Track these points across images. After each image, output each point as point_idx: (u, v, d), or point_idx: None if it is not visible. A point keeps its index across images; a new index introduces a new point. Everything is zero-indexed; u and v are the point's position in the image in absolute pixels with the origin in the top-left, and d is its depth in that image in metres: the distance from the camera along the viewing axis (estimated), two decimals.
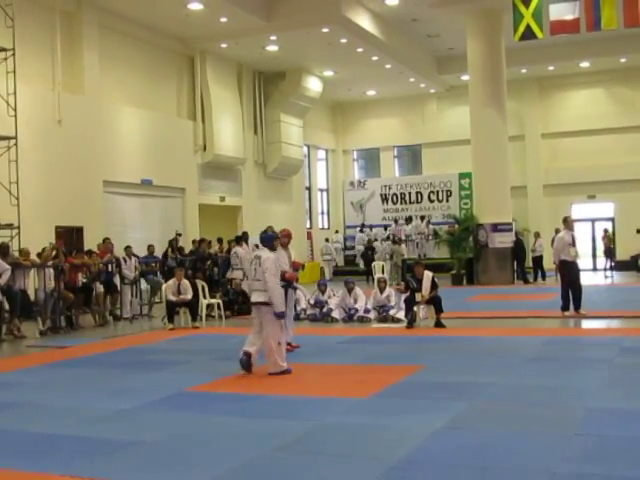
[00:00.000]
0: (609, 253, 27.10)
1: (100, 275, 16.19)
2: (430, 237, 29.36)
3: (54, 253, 14.82)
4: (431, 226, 29.79)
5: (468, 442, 5.92)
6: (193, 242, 20.10)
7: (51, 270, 14.62)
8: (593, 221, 29.80)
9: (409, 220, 30.31)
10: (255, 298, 9.32)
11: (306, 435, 6.29)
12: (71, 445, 6.24)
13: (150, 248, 18.26)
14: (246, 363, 9.22)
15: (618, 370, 8.86)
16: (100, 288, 16.01)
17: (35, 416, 7.41)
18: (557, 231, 21.69)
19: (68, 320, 15.11)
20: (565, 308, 14.43)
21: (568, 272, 14.39)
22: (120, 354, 11.63)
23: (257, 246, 13.83)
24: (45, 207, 18.15)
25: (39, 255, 15.08)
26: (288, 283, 10.97)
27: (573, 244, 14.19)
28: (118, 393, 8.37)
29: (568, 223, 14.58)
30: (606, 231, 28.11)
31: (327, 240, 30.88)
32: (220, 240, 20.14)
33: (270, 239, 9.71)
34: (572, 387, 7.88)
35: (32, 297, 14.70)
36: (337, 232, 32.35)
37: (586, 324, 13.81)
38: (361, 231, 31.30)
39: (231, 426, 6.69)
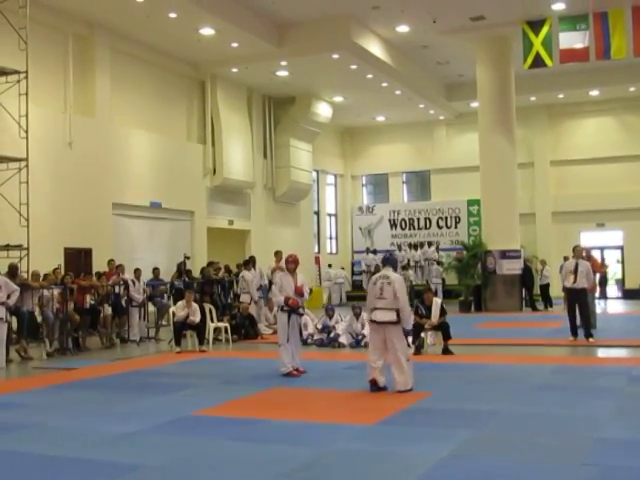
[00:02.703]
0: (603, 282, 27.45)
1: (108, 297, 16.21)
2: (439, 263, 29.27)
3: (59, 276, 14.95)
4: (441, 252, 29.65)
5: (474, 471, 5.87)
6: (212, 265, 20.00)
7: (55, 292, 14.66)
8: (602, 249, 29.71)
9: (419, 246, 30.24)
10: (381, 317, 9.44)
11: (311, 461, 6.25)
12: (75, 468, 6.22)
13: (155, 271, 18.24)
14: (377, 389, 9.47)
15: (627, 399, 8.79)
16: (108, 310, 16.02)
17: (40, 438, 7.39)
18: (565, 259, 21.72)
19: (75, 342, 15.11)
20: (572, 333, 14.57)
21: (570, 298, 14.67)
22: (126, 377, 11.61)
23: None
24: (54, 229, 18.21)
25: (45, 276, 15.14)
26: (292, 309, 10.99)
27: (574, 272, 14.33)
28: (124, 416, 8.34)
29: (576, 252, 14.79)
30: (602, 260, 28.48)
31: (343, 269, 31.10)
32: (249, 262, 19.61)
33: (395, 261, 10.21)
34: (580, 416, 7.82)
35: (39, 319, 14.69)
36: (343, 269, 31.95)
37: (595, 353, 13.74)
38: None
39: (237, 451, 6.65)
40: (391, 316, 9.37)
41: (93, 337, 16.02)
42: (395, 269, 9.93)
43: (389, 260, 10.03)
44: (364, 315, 15.12)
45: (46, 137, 18.29)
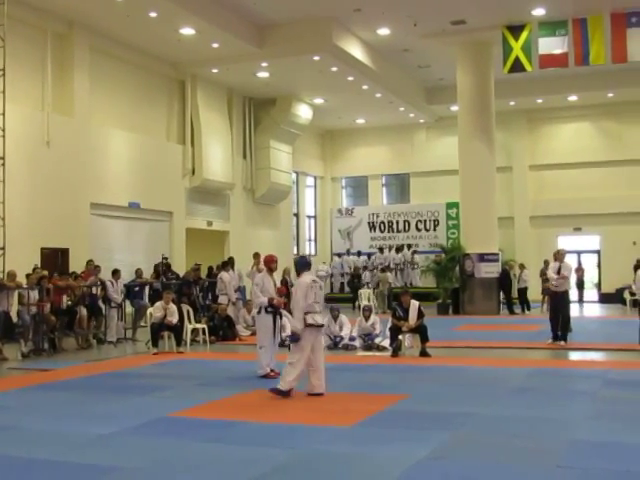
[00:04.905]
0: (580, 285, 27.79)
1: (84, 298, 16.09)
2: (415, 266, 29.43)
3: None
4: (416, 256, 29.79)
5: (451, 472, 5.89)
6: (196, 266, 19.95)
7: (36, 293, 14.54)
8: (579, 253, 29.95)
9: (400, 249, 30.31)
10: (320, 320, 9.59)
11: (289, 463, 6.24)
12: (50, 470, 6.17)
13: (138, 271, 18.14)
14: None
15: (602, 402, 8.86)
16: (84, 311, 15.89)
17: (14, 440, 7.31)
18: (546, 262, 21.98)
19: (51, 343, 14.99)
20: (554, 337, 14.73)
21: (553, 301, 14.89)
22: (102, 378, 11.52)
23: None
24: (31, 228, 18.05)
25: (27, 276, 15.04)
26: (275, 309, 10.99)
27: (557, 274, 14.51)
28: (99, 418, 8.28)
29: (558, 255, 15.01)
30: (580, 264, 28.83)
31: (324, 263, 31.51)
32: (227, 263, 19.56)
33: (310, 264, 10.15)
34: (556, 419, 7.86)
35: (14, 319, 14.56)
36: (324, 263, 32.12)
37: (570, 356, 13.84)
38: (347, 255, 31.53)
39: (213, 453, 6.62)
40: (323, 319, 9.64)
41: (69, 338, 15.90)
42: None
43: (309, 264, 10.01)
44: (342, 317, 15.19)
45: (23, 135, 18.13)
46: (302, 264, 9.96)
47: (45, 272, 15.61)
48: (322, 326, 9.65)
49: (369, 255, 30.59)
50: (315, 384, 9.48)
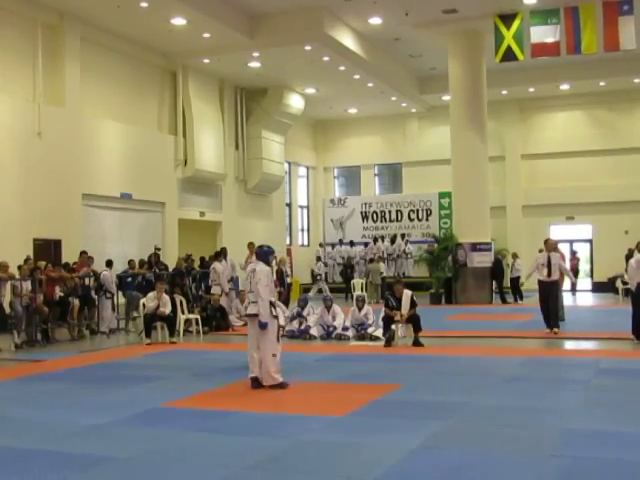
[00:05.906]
0: (575, 274, 28.00)
1: (77, 289, 16.06)
2: (409, 256, 29.47)
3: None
4: (409, 245, 29.82)
5: (444, 462, 5.90)
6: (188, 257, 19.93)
7: (28, 284, 14.51)
8: (571, 242, 30.02)
9: (394, 240, 30.30)
10: (250, 310, 9.47)
11: (281, 453, 6.25)
12: (43, 460, 6.17)
13: (131, 263, 18.12)
14: (258, 386, 9.34)
15: (594, 391, 8.89)
16: (76, 302, 15.85)
17: (7, 430, 7.32)
18: (541, 251, 21.98)
19: (44, 334, 14.96)
20: (547, 325, 14.84)
21: (543, 291, 14.89)
22: (95, 369, 11.52)
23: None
24: (23, 219, 17.99)
25: (19, 267, 15.00)
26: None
27: (547, 265, 14.53)
28: (92, 408, 8.28)
29: (547, 245, 15.04)
30: (574, 253, 28.88)
31: (321, 245, 31.86)
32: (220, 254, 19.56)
33: (266, 254, 9.91)
34: (549, 408, 7.88)
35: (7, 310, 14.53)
36: (321, 246, 32.12)
37: (563, 345, 13.89)
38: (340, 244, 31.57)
39: (206, 443, 6.63)
40: (256, 309, 9.34)
41: (62, 329, 15.87)
42: (266, 263, 9.76)
43: (259, 254, 9.93)
44: (335, 307, 15.21)
45: (15, 127, 18.05)
46: (256, 254, 10.20)
47: (41, 263, 15.59)
48: (251, 316, 9.41)
49: (365, 245, 30.59)
50: (261, 375, 9.42)
